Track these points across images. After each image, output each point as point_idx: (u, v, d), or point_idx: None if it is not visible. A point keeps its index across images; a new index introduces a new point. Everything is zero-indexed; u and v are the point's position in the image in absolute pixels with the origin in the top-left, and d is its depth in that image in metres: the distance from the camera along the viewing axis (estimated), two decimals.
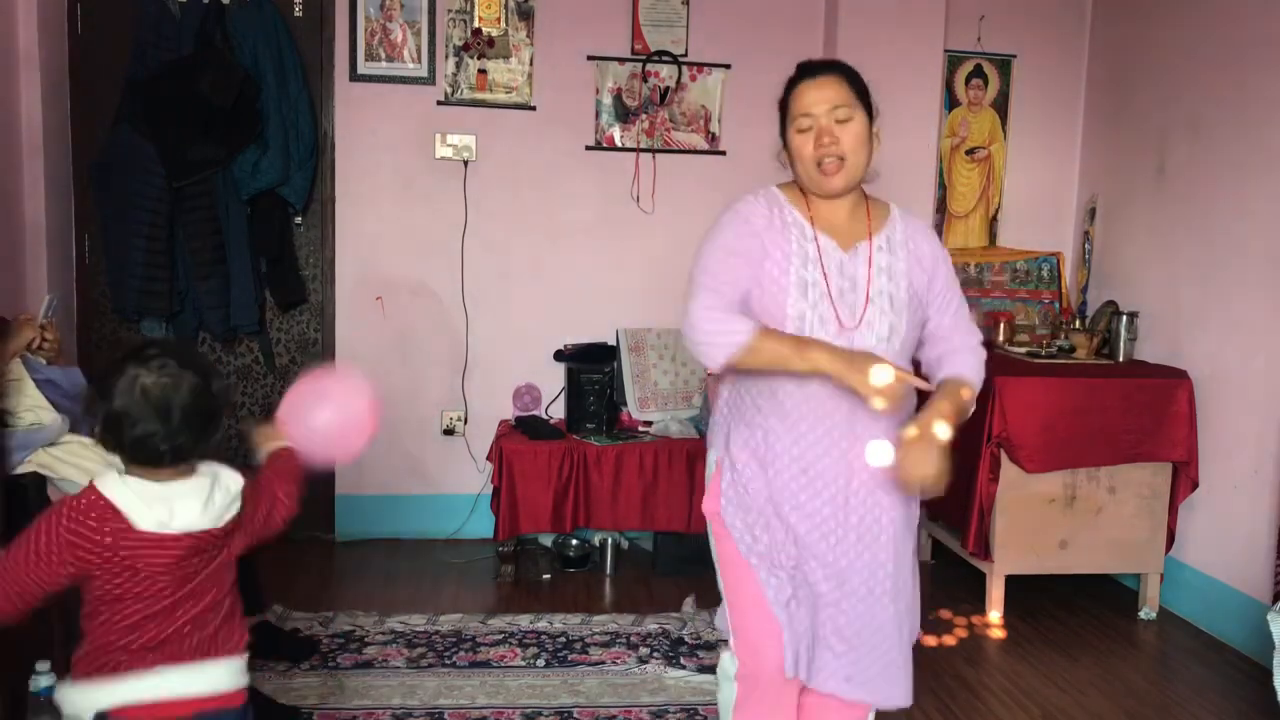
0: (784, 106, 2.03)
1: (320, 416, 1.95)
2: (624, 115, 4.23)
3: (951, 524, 3.86)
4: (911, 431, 1.88)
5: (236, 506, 1.75)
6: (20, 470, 2.63)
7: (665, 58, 4.21)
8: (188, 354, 1.75)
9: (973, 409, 2.02)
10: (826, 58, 2.05)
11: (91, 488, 1.65)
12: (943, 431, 1.89)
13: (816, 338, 1.91)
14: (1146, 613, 3.69)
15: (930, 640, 3.41)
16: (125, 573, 1.65)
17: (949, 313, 2.07)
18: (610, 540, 4.01)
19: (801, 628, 1.97)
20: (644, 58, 4.21)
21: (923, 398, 2.01)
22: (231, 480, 1.76)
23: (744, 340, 1.87)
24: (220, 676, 1.75)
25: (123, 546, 1.63)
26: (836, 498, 1.96)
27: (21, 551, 1.62)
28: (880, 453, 1.94)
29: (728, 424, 2.05)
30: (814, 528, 1.96)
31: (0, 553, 1.64)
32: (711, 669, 2.83)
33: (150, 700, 1.69)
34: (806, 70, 2.01)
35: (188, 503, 1.67)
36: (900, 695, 2.04)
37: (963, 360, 2.06)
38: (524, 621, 3.43)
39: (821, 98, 1.95)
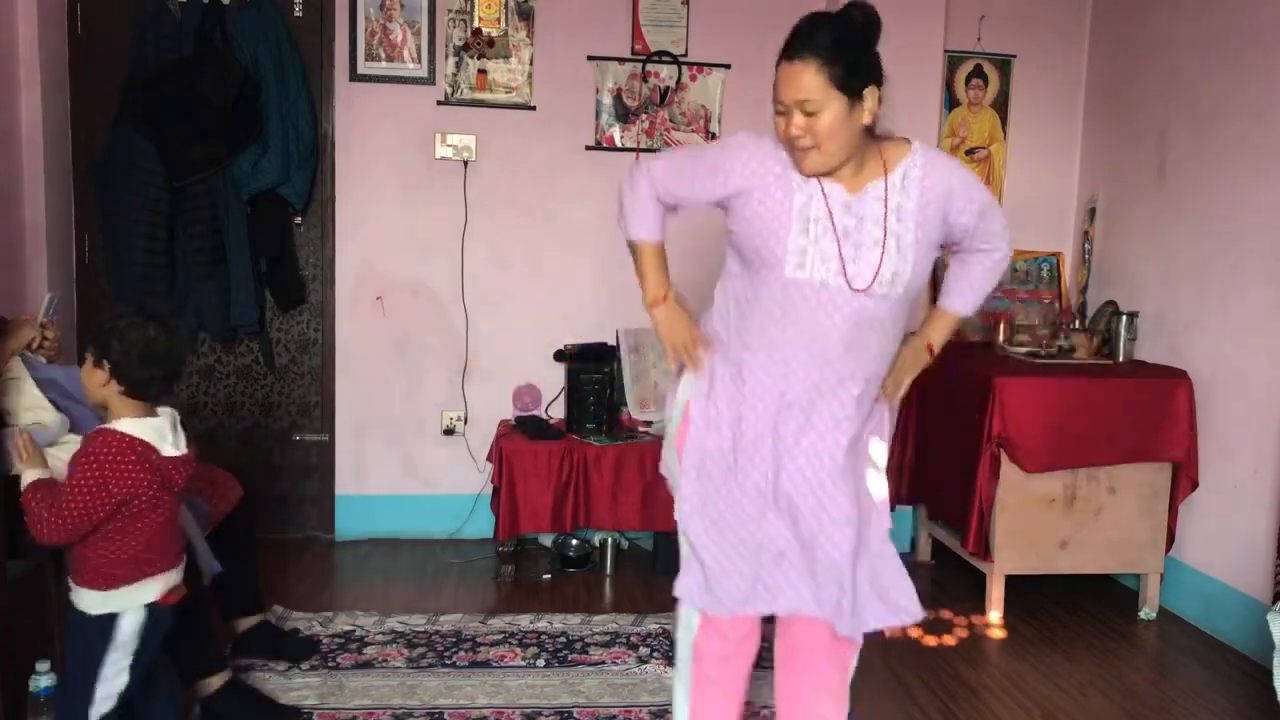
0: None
1: None
2: (624, 115, 4.24)
3: (951, 524, 3.86)
4: (906, 347, 2.20)
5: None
6: None
7: (665, 58, 4.21)
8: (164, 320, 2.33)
9: (974, 308, 2.28)
10: (817, 27, 1.92)
11: (112, 432, 2.15)
12: (920, 359, 2.22)
13: (677, 294, 2.21)
14: (1146, 613, 3.69)
15: (930, 640, 3.41)
16: (159, 487, 2.18)
17: (973, 215, 2.08)
18: (610, 540, 4.01)
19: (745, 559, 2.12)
20: (644, 58, 4.21)
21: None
22: (176, 415, 2.29)
23: (632, 239, 2.23)
24: (180, 574, 2.33)
25: (160, 466, 2.17)
26: (797, 416, 2.07)
27: (78, 497, 2.10)
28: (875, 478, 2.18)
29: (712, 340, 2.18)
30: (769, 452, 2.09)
31: (50, 507, 2.11)
32: None
33: (168, 590, 2.27)
34: (788, 50, 1.94)
35: (174, 434, 2.23)
36: (907, 612, 2.17)
37: (962, 284, 2.22)
38: (524, 621, 3.43)
39: (791, 88, 1.92)
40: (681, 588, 2.18)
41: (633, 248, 2.24)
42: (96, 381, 2.19)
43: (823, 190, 1.98)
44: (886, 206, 1.98)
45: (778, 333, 2.03)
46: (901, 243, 1.98)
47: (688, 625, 2.27)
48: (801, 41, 1.92)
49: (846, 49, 1.90)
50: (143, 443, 2.16)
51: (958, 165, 2.09)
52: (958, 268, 2.20)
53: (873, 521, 2.16)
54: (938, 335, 2.23)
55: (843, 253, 1.97)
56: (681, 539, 2.21)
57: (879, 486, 2.20)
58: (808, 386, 2.04)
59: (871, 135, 2.00)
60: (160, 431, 2.20)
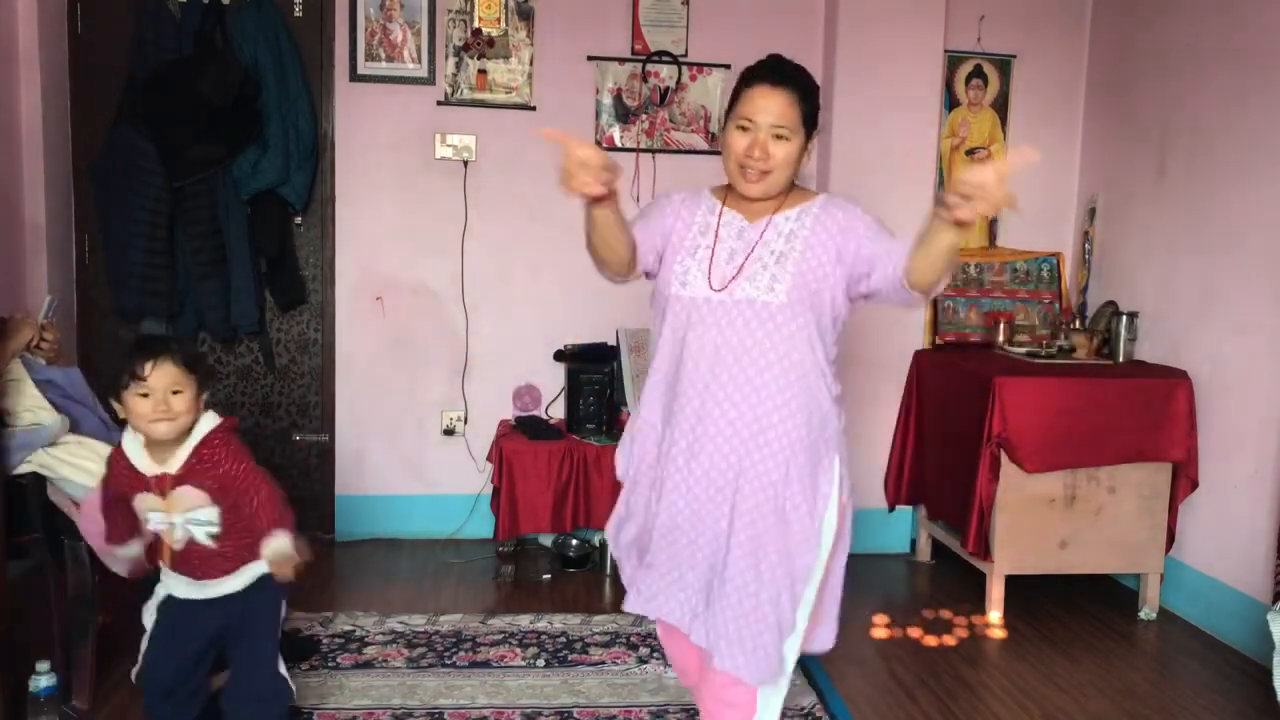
0: (735, 95, 2.07)
1: None
2: (624, 115, 4.24)
3: (951, 524, 3.86)
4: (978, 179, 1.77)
5: None
6: (20, 470, 2.63)
7: (665, 58, 4.21)
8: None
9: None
10: (793, 65, 2.07)
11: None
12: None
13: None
14: (1146, 613, 3.69)
15: (930, 640, 3.41)
16: None
17: (876, 242, 2.04)
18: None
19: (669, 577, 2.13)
20: (644, 58, 4.21)
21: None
22: None
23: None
24: None
25: None
26: (693, 425, 2.09)
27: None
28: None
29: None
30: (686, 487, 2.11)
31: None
32: None
33: None
34: (769, 75, 2.03)
35: None
36: (754, 671, 2.04)
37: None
38: (524, 621, 3.43)
39: (768, 110, 2.01)
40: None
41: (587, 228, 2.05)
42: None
43: (721, 218, 2.11)
44: (768, 229, 2.08)
45: (677, 352, 2.09)
46: (783, 258, 2.04)
47: None
48: (781, 71, 2.04)
49: (814, 94, 2.07)
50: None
51: (862, 212, 2.09)
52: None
53: (795, 560, 2.07)
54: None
55: (715, 268, 2.06)
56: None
57: (830, 522, 2.10)
58: (707, 404, 2.05)
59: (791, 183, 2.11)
60: None
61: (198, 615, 2.32)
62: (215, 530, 2.25)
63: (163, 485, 2.22)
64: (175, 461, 2.22)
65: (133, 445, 2.24)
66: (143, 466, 2.23)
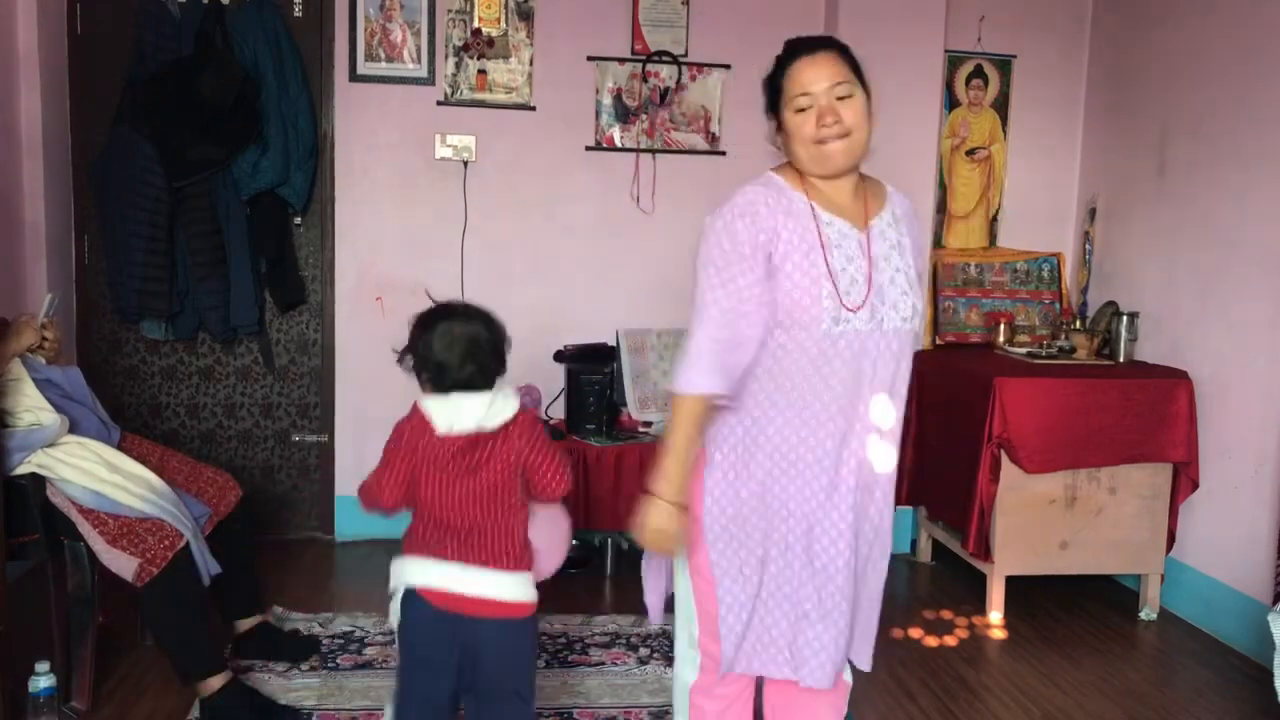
0: (776, 85, 1.92)
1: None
2: (624, 115, 4.23)
3: (951, 524, 3.86)
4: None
5: (510, 412, 2.14)
6: (19, 470, 2.63)
7: (665, 58, 4.21)
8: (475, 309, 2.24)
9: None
10: (818, 35, 1.97)
11: (414, 406, 2.17)
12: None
13: (679, 459, 1.86)
14: (1147, 613, 3.69)
15: (930, 640, 3.41)
16: (425, 464, 2.10)
17: (919, 264, 2.07)
18: (610, 540, 4.01)
19: (773, 631, 1.99)
20: (644, 58, 4.21)
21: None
22: (512, 397, 2.17)
23: (680, 400, 1.85)
24: (503, 585, 2.08)
25: (425, 444, 2.11)
26: (828, 470, 1.91)
27: (384, 461, 2.14)
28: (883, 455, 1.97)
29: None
30: (808, 506, 1.92)
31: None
32: None
33: (440, 588, 2.06)
34: (802, 47, 1.92)
35: (470, 410, 2.11)
36: (865, 659, 2.08)
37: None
38: None
39: (820, 75, 1.86)
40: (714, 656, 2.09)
41: (680, 406, 1.86)
42: None
43: (826, 229, 1.88)
44: (879, 244, 1.93)
45: (810, 390, 1.87)
46: (908, 277, 1.94)
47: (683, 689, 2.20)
48: (813, 41, 1.94)
49: (850, 51, 1.94)
50: (424, 417, 2.20)
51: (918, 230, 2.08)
52: None
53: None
54: None
55: (854, 290, 1.86)
56: (698, 608, 2.09)
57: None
58: (840, 438, 1.89)
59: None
60: (444, 409, 2.18)
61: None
62: None
63: None
64: None
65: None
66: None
